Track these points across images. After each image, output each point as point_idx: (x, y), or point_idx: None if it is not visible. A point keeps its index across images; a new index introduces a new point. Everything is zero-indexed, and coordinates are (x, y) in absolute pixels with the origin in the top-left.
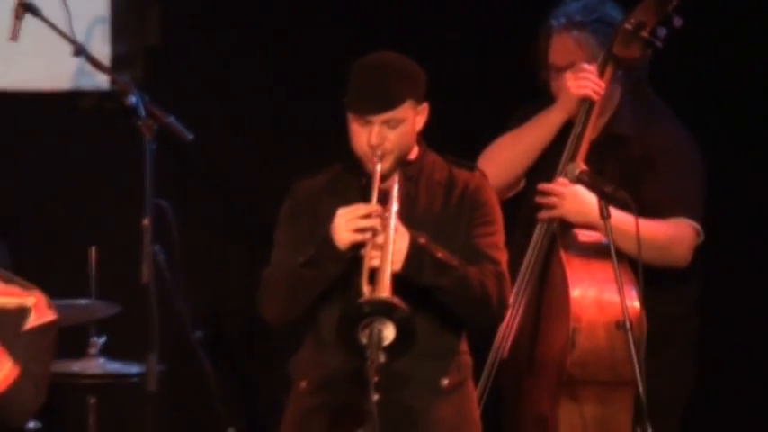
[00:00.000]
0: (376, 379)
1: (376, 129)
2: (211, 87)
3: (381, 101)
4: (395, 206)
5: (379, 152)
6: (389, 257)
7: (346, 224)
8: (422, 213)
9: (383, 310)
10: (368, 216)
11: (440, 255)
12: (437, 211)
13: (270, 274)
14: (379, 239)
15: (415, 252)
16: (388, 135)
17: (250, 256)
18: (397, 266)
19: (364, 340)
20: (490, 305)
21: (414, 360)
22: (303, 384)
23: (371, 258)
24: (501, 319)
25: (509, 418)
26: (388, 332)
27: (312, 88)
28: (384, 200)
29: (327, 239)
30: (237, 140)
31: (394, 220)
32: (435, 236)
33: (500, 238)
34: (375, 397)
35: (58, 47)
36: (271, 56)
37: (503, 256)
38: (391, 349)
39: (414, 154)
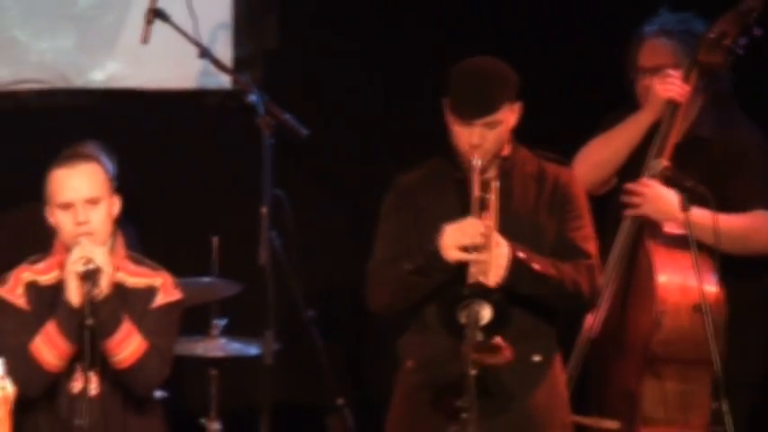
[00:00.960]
0: (474, 356)
1: (477, 130)
2: (324, 87)
3: (482, 107)
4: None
5: (478, 151)
6: (491, 272)
7: (454, 242)
8: (517, 206)
9: (480, 293)
10: (474, 235)
11: (537, 267)
12: (531, 203)
13: (375, 270)
14: (483, 256)
15: (514, 267)
16: (487, 135)
17: (357, 241)
18: (498, 279)
19: (463, 320)
20: (582, 298)
21: (508, 339)
22: (409, 364)
23: (474, 275)
24: (592, 307)
25: (595, 395)
26: (485, 313)
27: (415, 87)
28: (483, 205)
29: (436, 253)
30: (347, 136)
31: (496, 236)
32: (530, 227)
33: (590, 229)
34: (473, 372)
35: (184, 49)
36: (379, 57)
37: (593, 247)
38: (487, 328)
39: (506, 150)
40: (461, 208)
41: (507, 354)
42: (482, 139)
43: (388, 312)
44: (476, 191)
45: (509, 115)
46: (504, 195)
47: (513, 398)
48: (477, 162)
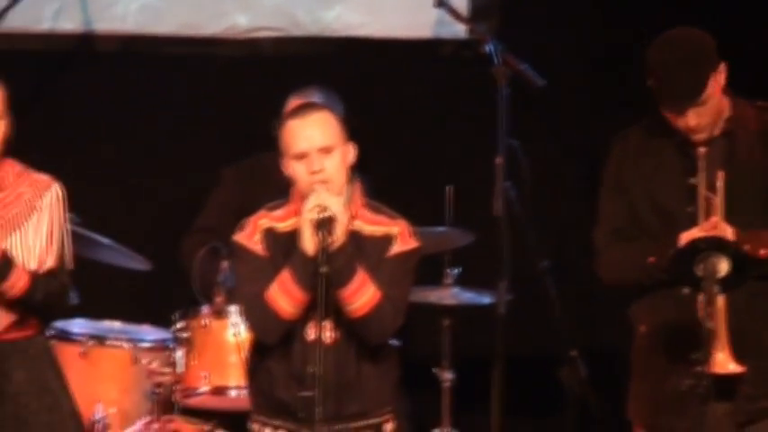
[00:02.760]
0: (709, 309)
1: (690, 113)
2: (560, 37)
3: (691, 93)
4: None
5: (698, 132)
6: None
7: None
8: (742, 164)
9: (717, 245)
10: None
11: (764, 252)
12: (758, 159)
13: (606, 246)
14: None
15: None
16: (702, 113)
17: (591, 192)
18: None
19: (700, 273)
20: None
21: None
22: (642, 329)
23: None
24: None
25: None
26: (722, 266)
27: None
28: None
29: (678, 260)
30: (582, 86)
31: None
32: (758, 189)
33: None
34: (709, 325)
35: None
36: (614, 8)
37: None
38: (725, 282)
39: (726, 110)
40: (682, 173)
41: None
42: (698, 118)
43: (619, 286)
44: (702, 189)
45: (717, 82)
46: (729, 158)
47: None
48: (701, 150)
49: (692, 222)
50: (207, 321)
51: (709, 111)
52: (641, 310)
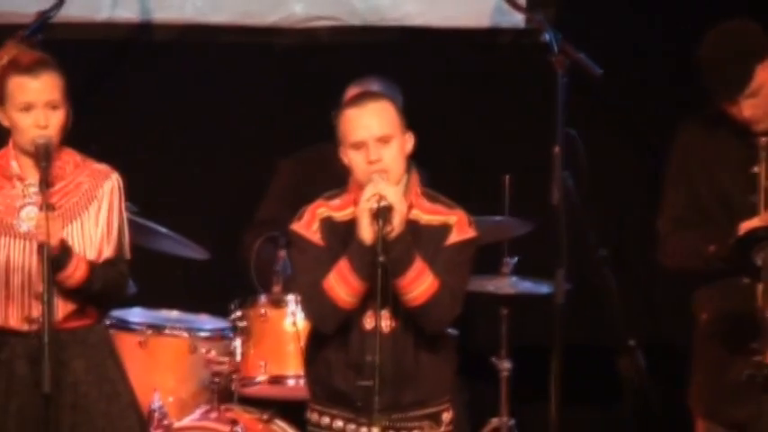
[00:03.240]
0: None
1: (744, 104)
2: (617, 27)
3: (738, 84)
4: None
5: (756, 122)
6: None
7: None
8: None
9: None
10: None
11: None
12: None
13: (669, 234)
14: None
15: None
16: (757, 104)
17: (649, 181)
18: None
19: (759, 263)
20: None
21: None
22: (704, 317)
23: None
24: None
25: None
26: None
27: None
28: None
29: (745, 255)
30: (640, 76)
31: None
32: None
33: None
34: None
35: None
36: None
37: None
38: None
39: None
40: (744, 162)
41: None
42: (753, 108)
43: (681, 274)
44: (762, 179)
45: (765, 71)
46: None
47: None
48: (763, 140)
49: (753, 212)
50: (265, 310)
51: (763, 101)
52: (703, 299)
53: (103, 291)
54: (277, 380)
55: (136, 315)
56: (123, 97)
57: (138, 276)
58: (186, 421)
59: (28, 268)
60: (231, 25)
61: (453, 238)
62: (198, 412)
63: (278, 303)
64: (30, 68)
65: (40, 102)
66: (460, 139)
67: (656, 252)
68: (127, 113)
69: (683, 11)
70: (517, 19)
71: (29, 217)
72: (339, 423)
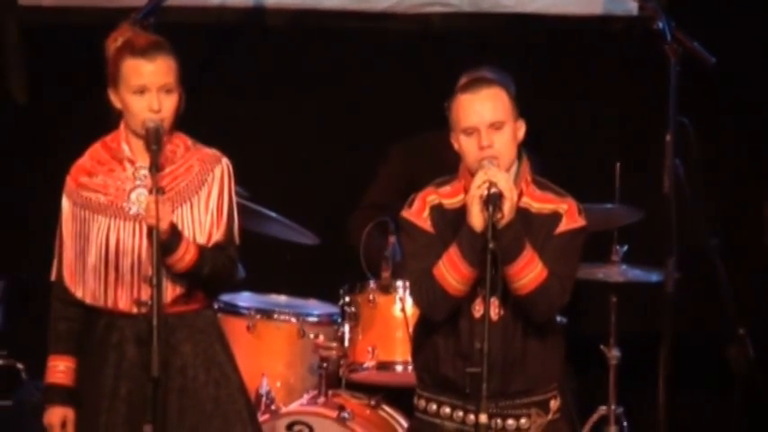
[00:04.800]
0: None
1: None
2: (731, 14)
3: None
4: None
5: None
6: None
7: None
8: None
9: None
10: None
11: None
12: None
13: None
14: None
15: None
16: None
17: (761, 169)
18: None
19: None
20: None
21: None
22: None
23: None
24: None
25: None
26: None
27: None
28: None
29: None
30: (753, 64)
31: None
32: None
33: None
34: None
35: None
36: None
37: None
38: None
39: None
40: None
41: None
42: None
43: None
44: None
45: None
46: None
47: None
48: None
49: None
50: (374, 296)
51: None
52: None
53: (212, 275)
54: (385, 366)
55: (244, 299)
56: (235, 82)
57: (247, 261)
58: (293, 406)
59: (138, 251)
60: (344, 10)
61: (563, 226)
62: (305, 397)
63: (387, 289)
64: (145, 51)
65: (154, 85)
66: (574, 126)
67: (765, 240)
68: (239, 98)
69: None
70: (630, 6)
71: (139, 200)
72: (446, 410)
